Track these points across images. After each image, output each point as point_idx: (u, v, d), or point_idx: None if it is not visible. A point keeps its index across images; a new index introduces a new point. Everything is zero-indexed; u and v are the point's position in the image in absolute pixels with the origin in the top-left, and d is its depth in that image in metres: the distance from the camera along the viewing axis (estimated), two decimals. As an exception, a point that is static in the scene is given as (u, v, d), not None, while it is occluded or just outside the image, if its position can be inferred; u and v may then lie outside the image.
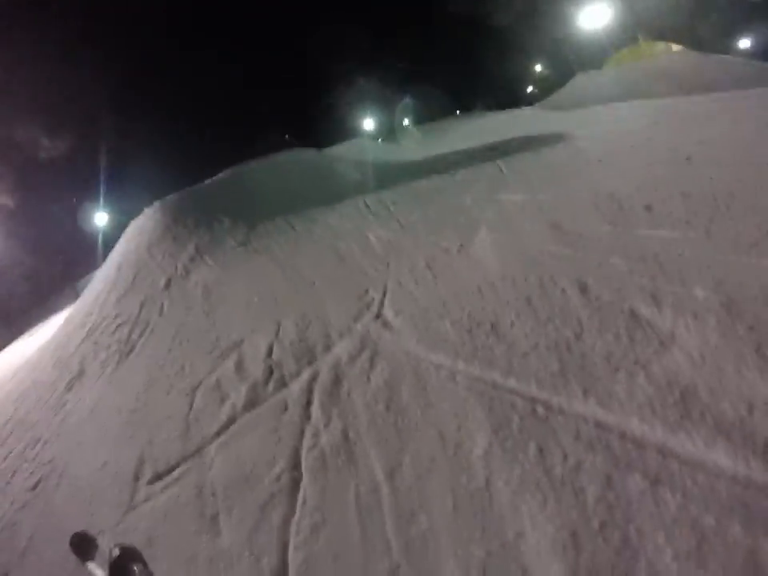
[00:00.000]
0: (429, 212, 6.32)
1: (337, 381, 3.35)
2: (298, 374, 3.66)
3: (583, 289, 3.17)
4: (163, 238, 8.73)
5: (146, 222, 9.72)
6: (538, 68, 43.89)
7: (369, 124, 45.18)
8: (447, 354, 3.08)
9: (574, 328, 2.85)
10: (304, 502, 2.56)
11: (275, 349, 4.15)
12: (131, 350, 5.91)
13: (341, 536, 2.29)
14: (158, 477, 3.43)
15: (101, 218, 28.97)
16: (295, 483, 2.71)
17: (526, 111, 19.71)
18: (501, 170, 7.57)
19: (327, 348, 3.81)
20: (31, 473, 4.84)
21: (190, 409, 3.98)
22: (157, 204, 10.20)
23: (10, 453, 5.67)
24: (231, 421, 3.54)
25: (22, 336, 16.95)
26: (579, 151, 7.26)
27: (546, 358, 2.71)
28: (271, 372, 3.86)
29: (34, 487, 4.52)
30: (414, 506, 2.25)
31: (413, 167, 10.46)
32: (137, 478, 3.54)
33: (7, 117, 25.37)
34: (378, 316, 3.94)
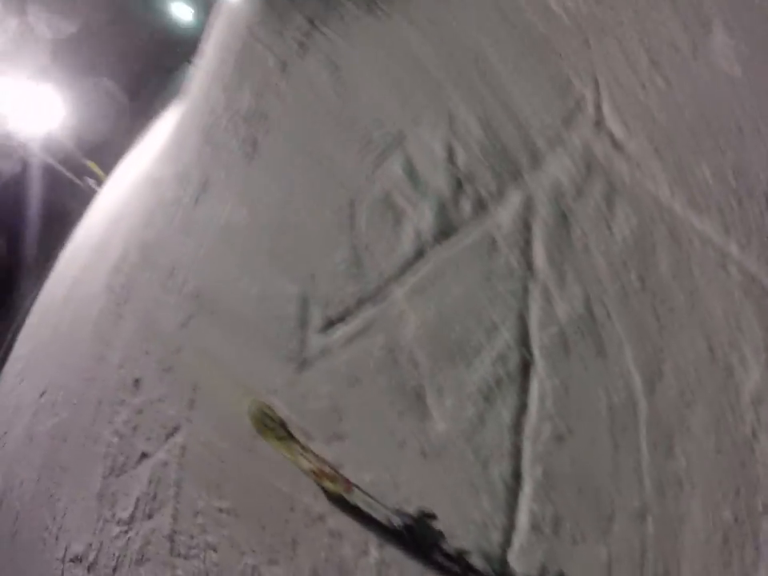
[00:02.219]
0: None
1: (562, 218, 2.52)
2: (500, 195, 2.81)
3: None
4: (265, 15, 7.68)
5: (237, 5, 8.72)
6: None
7: None
8: (713, 221, 2.11)
9: None
10: (541, 400, 2.18)
11: (458, 151, 3.20)
12: (255, 150, 5.30)
13: (589, 458, 1.99)
14: (330, 323, 3.09)
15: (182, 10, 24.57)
16: (525, 368, 2.26)
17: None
18: None
19: (535, 161, 2.83)
20: (179, 307, 4.80)
21: (352, 229, 3.40)
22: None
23: (150, 280, 5.75)
24: (419, 254, 2.93)
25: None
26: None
27: None
28: (460, 186, 3.00)
29: (185, 324, 4.48)
30: (674, 435, 1.89)
31: None
32: (303, 324, 3.25)
33: None
34: (599, 127, 2.75)
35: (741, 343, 1.87)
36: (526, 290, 2.42)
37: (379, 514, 2.24)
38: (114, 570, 3.61)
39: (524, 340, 2.30)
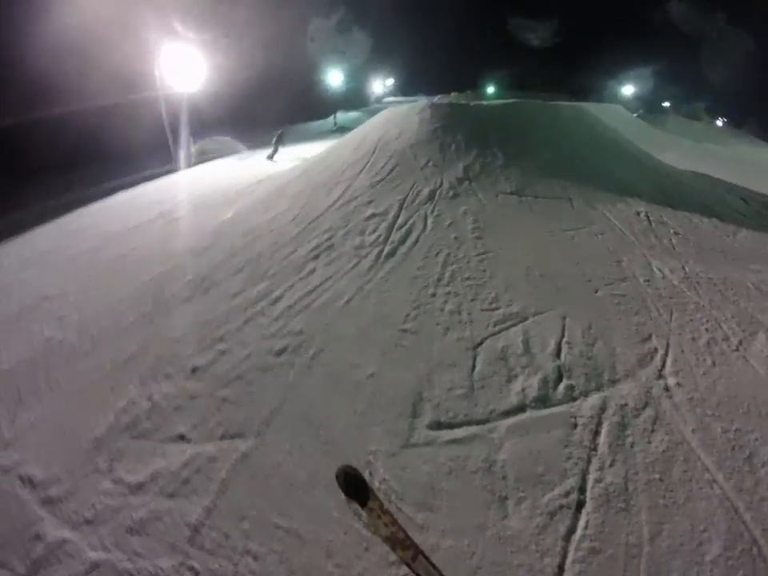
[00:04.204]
0: (711, 270, 6.42)
1: (623, 426, 4.16)
2: (586, 394, 4.49)
3: None
4: (429, 143, 9.21)
5: (409, 116, 10.12)
6: None
7: (628, 90, 48.25)
8: (713, 458, 3.77)
9: None
10: (586, 526, 3.37)
11: (563, 351, 4.96)
12: (392, 254, 6.64)
13: (609, 568, 3.13)
14: (439, 425, 4.19)
15: (335, 77, 38.33)
16: (580, 505, 3.50)
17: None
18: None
19: (613, 382, 4.61)
20: (272, 334, 5.42)
21: (473, 368, 4.85)
22: (425, 104, 10.49)
23: (242, 291, 6.55)
24: (521, 408, 4.36)
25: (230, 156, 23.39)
26: None
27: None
28: (560, 376, 4.69)
29: (279, 354, 5.09)
30: (662, 572, 3.10)
31: (684, 182, 10.23)
32: (415, 414, 4.30)
33: None
34: (660, 376, 4.64)
35: (710, 531, 3.30)
36: (589, 459, 3.81)
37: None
38: (88, 522, 3.63)
39: (582, 488, 3.57)
